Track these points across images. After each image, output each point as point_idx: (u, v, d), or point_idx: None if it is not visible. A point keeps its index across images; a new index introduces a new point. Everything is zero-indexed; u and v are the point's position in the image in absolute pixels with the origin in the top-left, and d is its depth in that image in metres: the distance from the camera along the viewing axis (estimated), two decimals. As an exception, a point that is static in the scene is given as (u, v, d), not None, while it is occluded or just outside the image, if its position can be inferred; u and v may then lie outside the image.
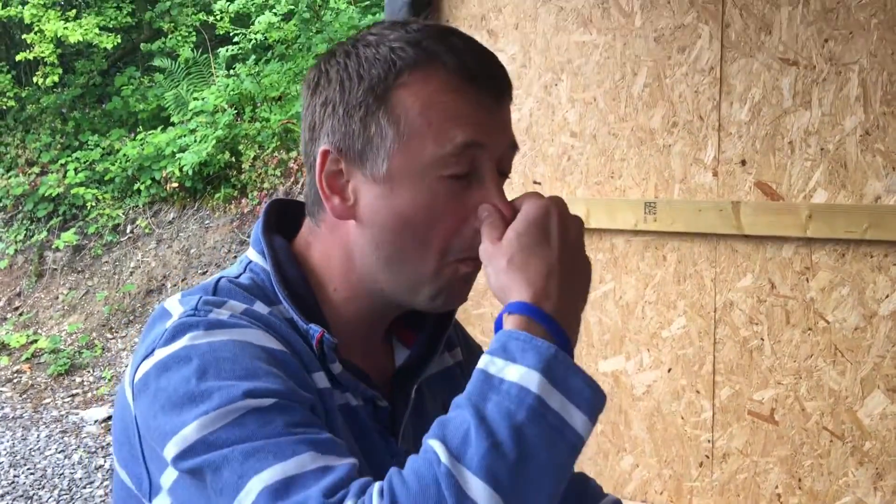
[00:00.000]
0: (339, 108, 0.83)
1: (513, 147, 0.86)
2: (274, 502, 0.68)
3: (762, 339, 2.04)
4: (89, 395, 5.07)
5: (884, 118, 1.85)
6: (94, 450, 4.34)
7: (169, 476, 0.76)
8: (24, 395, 5.12)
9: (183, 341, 0.76)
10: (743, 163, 2.02)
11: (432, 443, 0.69)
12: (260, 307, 0.83)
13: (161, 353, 0.77)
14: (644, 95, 2.12)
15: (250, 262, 0.88)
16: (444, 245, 0.83)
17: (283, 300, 0.84)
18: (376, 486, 0.68)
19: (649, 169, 2.13)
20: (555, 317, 0.75)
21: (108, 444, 4.40)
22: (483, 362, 0.73)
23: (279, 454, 0.70)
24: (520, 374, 0.71)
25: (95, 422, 4.66)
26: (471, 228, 0.83)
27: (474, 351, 1.05)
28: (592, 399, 0.73)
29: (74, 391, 5.13)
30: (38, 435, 4.54)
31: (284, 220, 0.92)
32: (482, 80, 0.83)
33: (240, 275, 0.87)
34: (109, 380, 5.17)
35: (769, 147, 1.98)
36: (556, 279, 0.77)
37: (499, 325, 0.77)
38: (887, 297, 1.90)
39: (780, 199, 1.98)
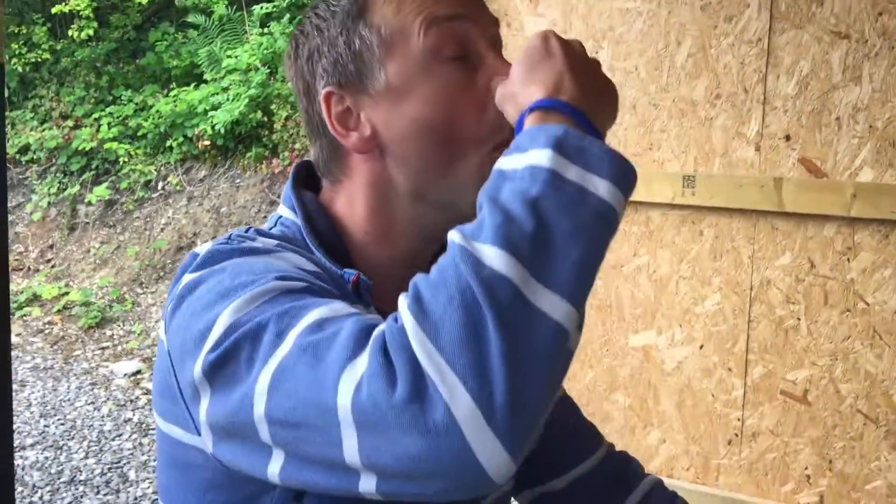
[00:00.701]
0: (324, 47, 0.83)
1: (495, 24, 0.85)
2: (309, 335, 0.66)
3: (798, 319, 2.01)
4: (119, 348, 5.14)
5: (938, 96, 1.79)
6: (123, 402, 4.41)
7: (203, 400, 0.72)
8: (56, 347, 5.20)
9: (215, 265, 0.76)
10: (787, 138, 1.97)
11: (450, 234, 0.66)
12: None
13: (192, 275, 0.76)
14: (687, 66, 2.06)
15: (280, 216, 0.88)
16: (474, 135, 0.81)
17: (315, 249, 0.83)
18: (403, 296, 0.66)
19: (689, 141, 2.09)
20: (573, 104, 0.70)
21: (136, 398, 4.47)
22: (496, 164, 0.69)
23: (310, 307, 0.69)
24: (531, 158, 0.66)
25: (125, 375, 4.73)
26: (494, 111, 0.80)
27: None
28: (614, 165, 0.66)
29: (105, 344, 5.21)
30: (69, 386, 4.61)
31: (312, 180, 0.91)
32: None
33: (271, 228, 0.87)
34: (139, 334, 5.24)
35: (815, 123, 1.93)
36: (570, 77, 0.72)
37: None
38: (931, 280, 1.85)
39: (825, 177, 1.93)
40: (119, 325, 5.41)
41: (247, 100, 5.94)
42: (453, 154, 0.81)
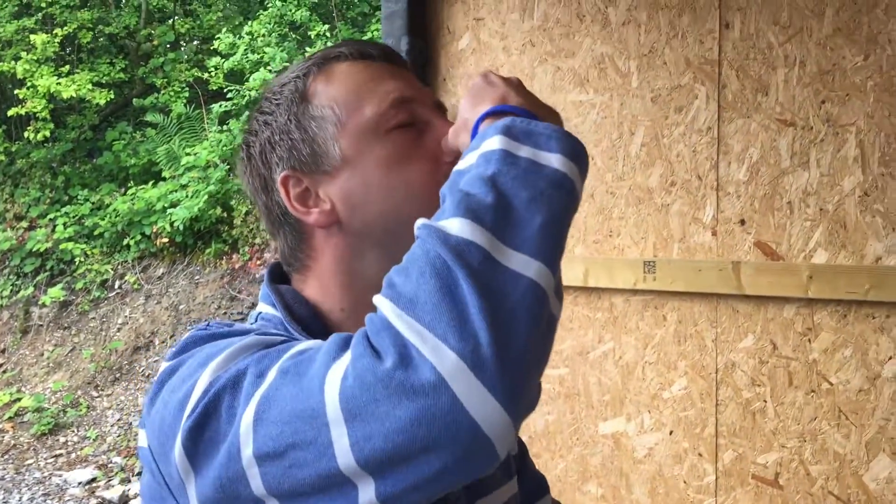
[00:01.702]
0: (275, 137, 0.86)
1: (440, 107, 0.89)
2: (289, 361, 0.65)
3: (765, 401, 2.01)
4: (73, 455, 4.95)
5: (882, 179, 1.85)
6: (76, 513, 4.22)
7: (190, 483, 0.68)
8: (6, 456, 4.99)
9: (193, 349, 0.75)
10: (742, 222, 2.01)
11: (416, 222, 0.67)
12: None
13: (170, 362, 0.75)
14: (642, 154, 2.12)
15: (261, 313, 0.88)
16: (432, 189, 0.82)
17: (300, 336, 0.82)
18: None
19: (648, 228, 2.12)
20: (520, 106, 0.73)
21: (91, 508, 4.27)
22: (454, 168, 0.71)
23: (294, 345, 0.68)
24: (482, 148, 0.68)
25: (79, 484, 4.54)
26: (445, 165, 0.83)
27: None
28: (564, 140, 0.69)
29: (58, 451, 5.01)
30: (21, 498, 4.41)
31: (285, 279, 0.92)
32: (381, 57, 0.89)
33: (251, 324, 0.86)
34: (94, 440, 5.06)
35: (768, 207, 1.98)
36: (515, 94, 0.76)
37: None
38: (891, 358, 1.87)
39: (781, 259, 1.97)
40: (73, 431, 5.22)
41: (206, 196, 5.96)
42: (414, 206, 0.83)
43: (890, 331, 1.87)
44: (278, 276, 0.91)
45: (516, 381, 0.59)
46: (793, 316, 1.97)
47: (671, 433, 2.12)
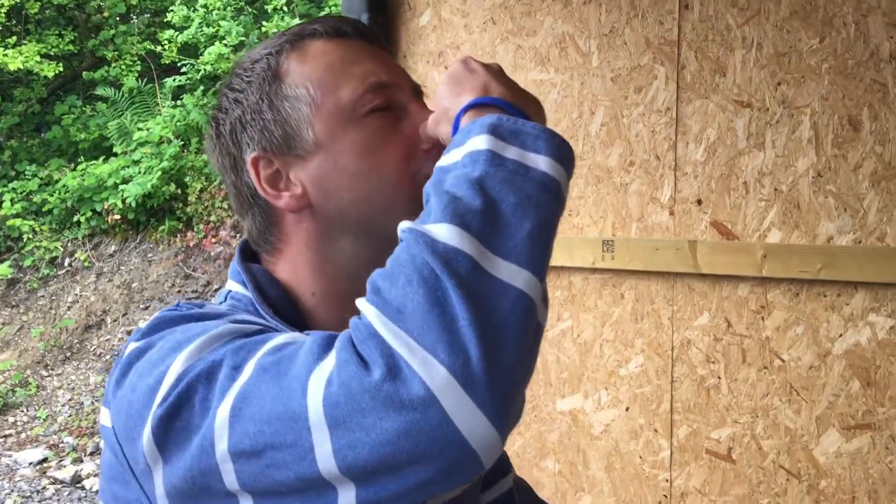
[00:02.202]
0: (246, 116, 0.83)
1: (417, 92, 0.87)
2: (269, 357, 0.63)
3: (719, 378, 2.05)
4: (23, 435, 4.85)
5: (835, 160, 1.89)
6: (28, 494, 4.14)
7: (157, 469, 0.66)
8: (-48, 437, 4.88)
9: (163, 330, 0.73)
10: (699, 202, 2.04)
11: (399, 227, 0.66)
12: None
13: (138, 343, 0.73)
14: (601, 134, 2.13)
15: (230, 291, 0.86)
16: (406, 175, 0.81)
17: (270, 318, 0.80)
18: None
19: (607, 207, 2.14)
20: (503, 98, 0.72)
21: (43, 489, 4.20)
22: (437, 163, 0.70)
23: (267, 339, 0.66)
24: (468, 147, 0.67)
25: (30, 464, 4.46)
26: (421, 152, 0.82)
27: None
28: (551, 142, 0.68)
29: (7, 432, 4.91)
30: (-33, 479, 4.32)
31: (255, 257, 0.89)
32: (352, 33, 0.86)
33: (221, 304, 0.84)
34: (45, 420, 4.97)
35: (724, 187, 2.01)
36: (496, 83, 0.74)
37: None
38: (840, 336, 1.92)
39: (736, 239, 2.00)
40: (22, 411, 5.12)
41: (159, 172, 5.84)
42: (388, 193, 0.81)
43: (840, 309, 1.91)
44: (249, 254, 0.89)
45: (505, 397, 0.58)
46: (747, 294, 2.01)
47: (627, 409, 2.15)
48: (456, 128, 0.73)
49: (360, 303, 0.63)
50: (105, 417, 0.75)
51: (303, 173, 0.82)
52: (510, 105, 0.72)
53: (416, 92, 0.87)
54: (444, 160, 0.69)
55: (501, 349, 0.58)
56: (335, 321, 0.83)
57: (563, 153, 0.68)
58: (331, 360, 0.60)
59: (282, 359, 0.62)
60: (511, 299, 0.60)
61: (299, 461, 0.59)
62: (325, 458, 0.59)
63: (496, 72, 0.77)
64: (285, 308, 0.83)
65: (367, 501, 0.60)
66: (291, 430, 0.59)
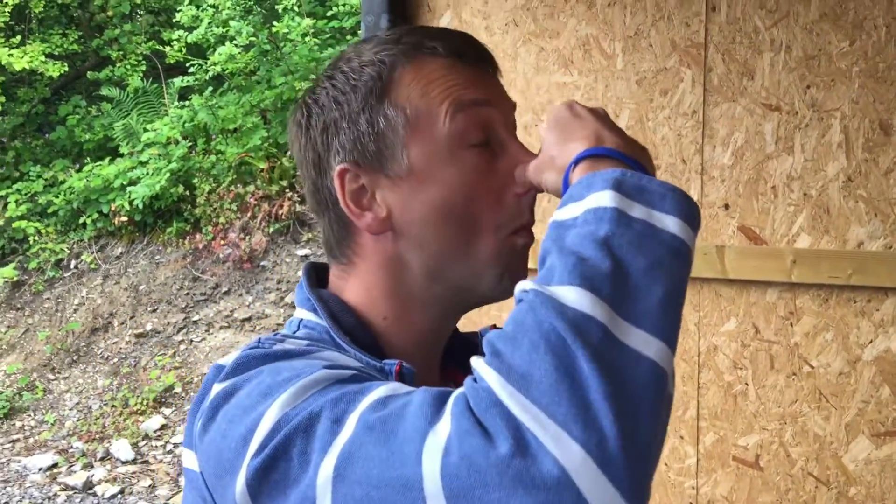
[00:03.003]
0: (342, 122, 0.80)
1: (514, 108, 0.85)
2: (373, 413, 0.59)
3: (746, 384, 2.03)
4: (31, 440, 4.83)
5: (866, 165, 1.87)
6: (40, 501, 4.12)
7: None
8: (-40, 441, 4.85)
9: (249, 371, 0.70)
10: (726, 206, 2.01)
11: (520, 285, 0.62)
12: None
13: (223, 384, 0.70)
14: (626, 138, 2.10)
15: (302, 320, 0.83)
16: (493, 220, 0.79)
17: (348, 347, 0.77)
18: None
19: (631, 212, 2.11)
20: (620, 150, 0.69)
21: (55, 496, 4.18)
22: (553, 217, 0.66)
23: (367, 389, 0.63)
24: (591, 202, 0.63)
25: (40, 469, 4.43)
26: (513, 196, 0.80)
27: None
28: (679, 200, 0.63)
29: (15, 436, 4.88)
30: (-23, 484, 4.29)
31: (321, 276, 0.87)
32: (471, 56, 0.83)
33: (294, 332, 0.82)
34: (52, 424, 4.94)
35: (752, 191, 1.98)
36: (608, 130, 0.71)
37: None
38: (871, 342, 1.90)
39: (764, 244, 1.98)
40: (30, 415, 5.10)
41: (168, 174, 5.81)
42: (471, 238, 0.79)
43: (871, 315, 1.89)
44: (315, 278, 0.86)
45: (642, 476, 0.55)
46: (775, 300, 1.98)
47: (652, 416, 2.13)
48: (566, 179, 0.70)
49: (479, 365, 0.59)
50: (190, 460, 0.72)
51: (390, 196, 0.79)
52: (627, 157, 0.68)
53: (513, 109, 0.84)
54: (562, 214, 0.65)
55: (637, 425, 0.55)
56: (404, 345, 0.82)
57: (690, 212, 0.64)
58: (445, 425, 0.56)
59: (388, 417, 0.59)
60: (644, 370, 0.57)
61: None
62: None
63: (604, 118, 0.74)
64: (361, 335, 0.80)
65: None
66: (403, 498, 0.56)
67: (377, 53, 0.81)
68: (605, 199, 0.63)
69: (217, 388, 0.70)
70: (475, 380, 0.59)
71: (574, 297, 0.58)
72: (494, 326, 0.88)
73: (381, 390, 0.63)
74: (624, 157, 0.68)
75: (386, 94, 0.79)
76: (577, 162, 0.69)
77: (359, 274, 0.82)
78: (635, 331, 0.58)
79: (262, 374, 0.68)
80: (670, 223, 0.63)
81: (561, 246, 0.62)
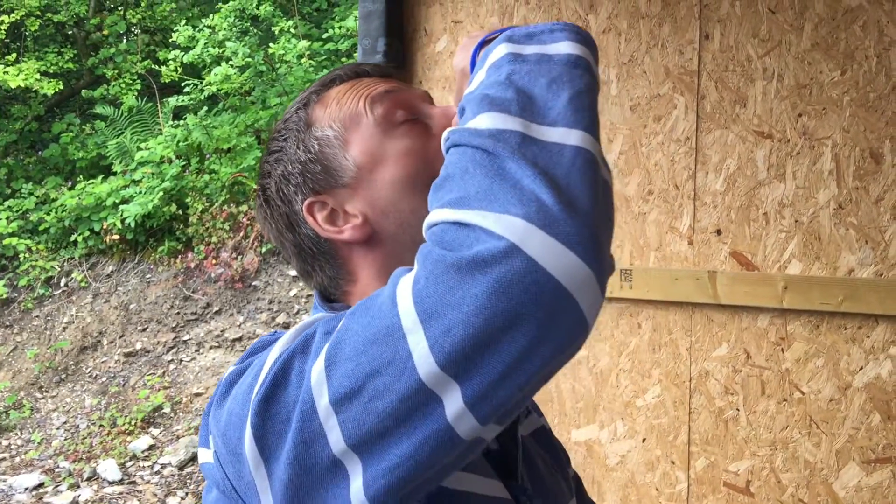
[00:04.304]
0: (288, 167, 0.85)
1: (429, 96, 0.89)
2: (358, 304, 0.62)
3: (737, 410, 2.03)
4: (17, 459, 4.77)
5: (856, 192, 1.89)
6: (23, 520, 4.07)
7: (262, 478, 0.63)
8: (-56, 459, 4.79)
9: (260, 353, 0.72)
10: (718, 232, 2.03)
11: (442, 135, 0.67)
12: None
13: (238, 365, 0.73)
14: (620, 163, 2.12)
15: None
16: None
17: None
18: None
19: (625, 236, 2.12)
20: (514, 26, 0.72)
21: (40, 515, 4.12)
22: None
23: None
24: (488, 62, 0.67)
25: (25, 489, 4.38)
26: None
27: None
28: (567, 29, 0.67)
29: (1, 455, 4.83)
30: (-40, 503, 4.23)
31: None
32: (371, 73, 0.89)
33: None
34: (39, 443, 4.89)
35: (744, 217, 2.00)
36: (503, 26, 0.77)
37: None
38: (861, 368, 1.91)
39: (756, 270, 1.99)
40: (16, 434, 5.04)
41: (161, 192, 5.80)
42: None
43: (861, 342, 1.90)
44: (327, 297, 0.88)
45: (589, 232, 0.56)
46: (766, 325, 1.99)
47: (644, 441, 2.12)
48: (472, 67, 0.74)
49: (427, 217, 0.62)
50: (205, 455, 0.73)
51: (357, 202, 0.82)
52: (518, 28, 0.73)
53: (429, 97, 0.89)
54: (470, 87, 0.69)
55: (573, 193, 0.57)
56: None
57: (582, 36, 0.68)
58: (415, 268, 0.59)
59: (368, 298, 0.62)
60: (570, 155, 0.59)
61: (399, 376, 0.56)
62: (422, 359, 0.55)
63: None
64: None
65: (475, 396, 0.56)
66: (387, 346, 0.57)
67: (293, 108, 0.88)
68: (499, 51, 0.67)
69: (231, 369, 0.72)
70: (430, 228, 0.61)
71: (486, 120, 0.61)
72: None
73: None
74: (518, 28, 0.72)
75: (309, 126, 0.85)
76: (477, 50, 0.74)
77: (358, 293, 0.84)
78: (551, 129, 0.60)
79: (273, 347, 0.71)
80: (562, 47, 0.66)
81: (469, 98, 0.66)
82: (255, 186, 0.99)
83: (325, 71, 6.21)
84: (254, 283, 5.47)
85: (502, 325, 0.54)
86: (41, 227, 6.45)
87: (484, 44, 0.74)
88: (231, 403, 0.68)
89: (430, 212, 0.61)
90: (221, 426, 0.68)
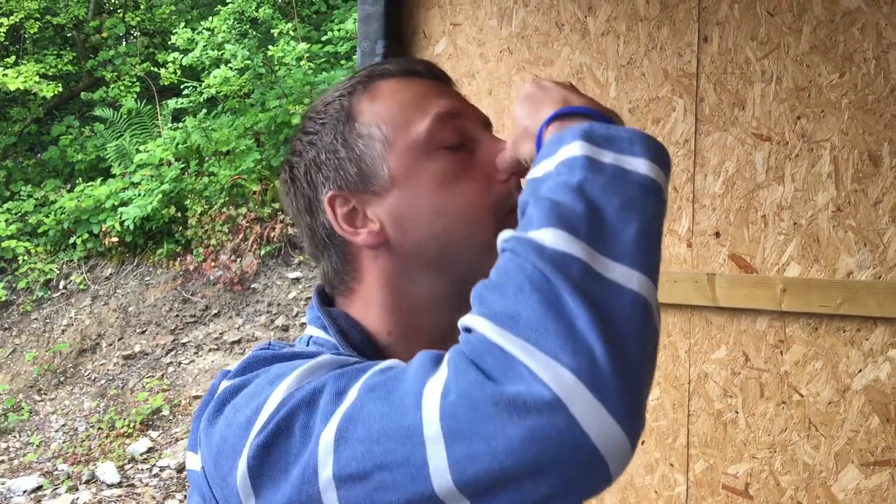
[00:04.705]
0: (321, 156, 0.83)
1: (487, 125, 0.87)
2: (375, 378, 0.61)
3: (736, 412, 2.03)
4: (16, 462, 4.77)
5: (855, 195, 1.89)
6: (21, 523, 4.06)
7: (249, 501, 0.63)
8: (-57, 462, 4.79)
9: (258, 369, 0.71)
10: (717, 235, 2.03)
11: (500, 234, 0.64)
12: None
13: (232, 381, 0.71)
14: (618, 166, 2.12)
15: (312, 336, 0.84)
16: (487, 206, 0.80)
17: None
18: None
19: (623, 239, 2.13)
20: (588, 106, 0.70)
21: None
22: (527, 176, 0.68)
23: (371, 366, 0.64)
24: (561, 155, 0.65)
25: (24, 492, 4.37)
26: (498, 182, 0.81)
27: None
28: (647, 144, 0.65)
29: (-1, 457, 4.83)
30: (-42, 506, 4.23)
31: (330, 302, 0.89)
32: (426, 73, 0.86)
33: (306, 348, 0.83)
34: (38, 446, 4.88)
35: (743, 220, 2.00)
36: (575, 94, 0.73)
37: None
38: (860, 371, 1.91)
39: (754, 272, 1.99)
40: (15, 437, 5.04)
41: (160, 195, 5.81)
42: (467, 227, 0.80)
43: (860, 344, 1.90)
44: (325, 299, 0.88)
45: (634, 399, 0.55)
46: (765, 328, 1.99)
47: (643, 443, 2.12)
48: (538, 142, 0.72)
49: (468, 318, 0.60)
50: (193, 461, 0.73)
51: (380, 210, 0.81)
52: (595, 111, 0.70)
53: (486, 124, 0.86)
54: (536, 172, 0.67)
55: (625, 350, 0.56)
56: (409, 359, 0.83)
57: (660, 154, 0.66)
58: (443, 373, 0.58)
59: (389, 378, 0.60)
60: (628, 301, 0.58)
61: (411, 480, 0.56)
62: (439, 472, 0.55)
63: (570, 86, 0.76)
64: (368, 350, 0.81)
65: None
66: (403, 447, 0.57)
67: (336, 90, 0.85)
68: (575, 149, 0.65)
69: (225, 384, 0.71)
70: (468, 331, 0.60)
71: (552, 237, 0.59)
72: None
73: (383, 363, 0.65)
74: (591, 111, 0.70)
75: (352, 119, 0.82)
76: (547, 124, 0.71)
77: (361, 297, 0.84)
78: (615, 265, 0.59)
79: (271, 369, 0.70)
80: (640, 165, 0.64)
81: (537, 196, 0.64)
82: (284, 157, 0.99)
83: (325, 74, 6.22)
84: (253, 286, 5.47)
85: (530, 471, 0.54)
86: (40, 230, 6.45)
87: (556, 118, 0.71)
88: (225, 428, 0.67)
89: (472, 306, 0.61)
90: (213, 449, 0.68)
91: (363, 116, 0.82)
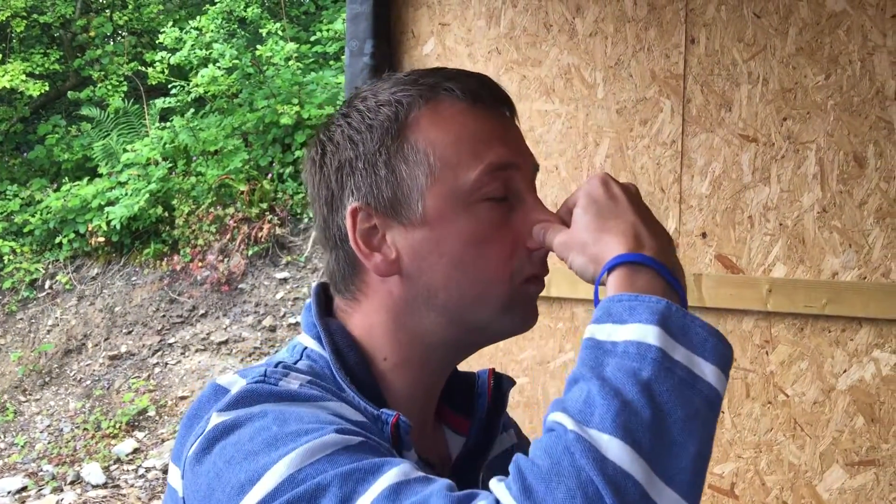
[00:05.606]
0: (358, 163, 0.79)
1: (536, 168, 0.85)
2: (388, 500, 0.60)
3: (722, 412, 2.04)
4: (0, 463, 4.74)
5: (840, 196, 1.90)
6: (5, 524, 4.03)
7: None
8: (-74, 463, 4.75)
9: (252, 407, 0.69)
10: (703, 235, 2.04)
11: (553, 416, 0.62)
12: None
13: (225, 416, 0.69)
14: (606, 166, 2.13)
15: (305, 348, 0.82)
16: (506, 271, 0.79)
17: (347, 387, 0.77)
18: (502, 480, 0.60)
19: (610, 239, 2.13)
20: (657, 259, 0.69)
21: (22, 519, 4.09)
22: (589, 332, 0.66)
23: (379, 471, 0.62)
24: (634, 332, 0.63)
25: (8, 493, 4.35)
26: (526, 249, 0.80)
27: (523, 437, 1.00)
28: (719, 348, 0.65)
29: (-17, 458, 4.79)
30: (-59, 507, 4.20)
31: (329, 299, 0.87)
32: (489, 99, 0.82)
33: (296, 361, 0.80)
34: (23, 446, 4.85)
35: (729, 221, 2.01)
36: (644, 229, 0.72)
37: (596, 300, 0.71)
38: (845, 371, 1.92)
39: (741, 273, 2.00)
40: (0, 437, 5.00)
41: (147, 195, 5.78)
42: (483, 287, 0.79)
43: (845, 344, 1.91)
44: (324, 301, 0.85)
45: None
46: (751, 328, 2.00)
47: (630, 443, 2.13)
48: (598, 280, 0.71)
49: (502, 493, 0.59)
50: (174, 477, 0.72)
51: (401, 240, 0.79)
52: (666, 270, 0.69)
53: (536, 171, 0.84)
54: (600, 333, 0.65)
55: None
56: (407, 388, 0.82)
57: (727, 361, 0.66)
58: None
59: None
60: None
61: None
62: None
63: (640, 204, 0.74)
64: (361, 375, 0.80)
65: None
66: None
67: (394, 93, 0.80)
68: (649, 335, 0.63)
69: (217, 418, 0.69)
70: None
71: (616, 451, 0.58)
72: (493, 370, 0.89)
73: (393, 474, 0.62)
74: (662, 269, 0.68)
75: (402, 135, 0.78)
76: (612, 266, 0.70)
77: (363, 311, 0.82)
78: (668, 492, 0.59)
79: (267, 418, 0.68)
80: (709, 372, 0.64)
81: (601, 375, 0.62)
82: (316, 133, 0.92)
83: (313, 74, 6.20)
84: (240, 286, 5.45)
85: None
86: (26, 229, 6.41)
87: (626, 263, 0.70)
88: (214, 479, 0.66)
89: (512, 483, 0.60)
90: (200, 493, 0.67)
91: (415, 137, 0.78)
